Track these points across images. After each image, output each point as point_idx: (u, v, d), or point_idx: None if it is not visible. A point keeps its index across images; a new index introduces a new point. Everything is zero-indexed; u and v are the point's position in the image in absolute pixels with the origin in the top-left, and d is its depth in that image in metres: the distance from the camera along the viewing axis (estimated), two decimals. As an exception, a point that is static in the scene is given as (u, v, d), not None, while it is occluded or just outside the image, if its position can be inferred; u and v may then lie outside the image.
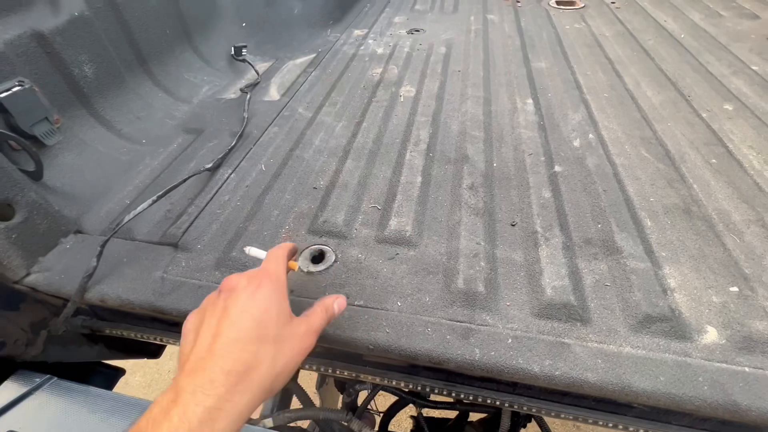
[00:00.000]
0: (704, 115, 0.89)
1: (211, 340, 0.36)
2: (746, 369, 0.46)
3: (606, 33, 1.32)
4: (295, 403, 0.81)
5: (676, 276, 0.56)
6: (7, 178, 0.56)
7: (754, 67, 1.07)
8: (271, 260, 0.44)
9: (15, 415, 0.59)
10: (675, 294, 0.53)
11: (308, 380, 1.16)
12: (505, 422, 0.77)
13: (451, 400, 0.84)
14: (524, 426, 0.83)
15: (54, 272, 0.60)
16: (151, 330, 0.65)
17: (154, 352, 0.92)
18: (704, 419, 0.49)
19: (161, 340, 0.65)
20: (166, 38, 1.00)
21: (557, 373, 0.46)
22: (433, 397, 0.82)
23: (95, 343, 0.76)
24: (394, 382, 0.58)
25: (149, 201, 0.63)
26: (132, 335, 0.66)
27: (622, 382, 0.45)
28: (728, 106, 0.91)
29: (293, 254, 0.51)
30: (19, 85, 0.65)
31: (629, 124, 0.87)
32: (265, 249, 0.50)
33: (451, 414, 0.91)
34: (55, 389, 0.61)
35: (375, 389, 0.77)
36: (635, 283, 0.54)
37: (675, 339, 0.49)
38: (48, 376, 0.63)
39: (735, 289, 0.54)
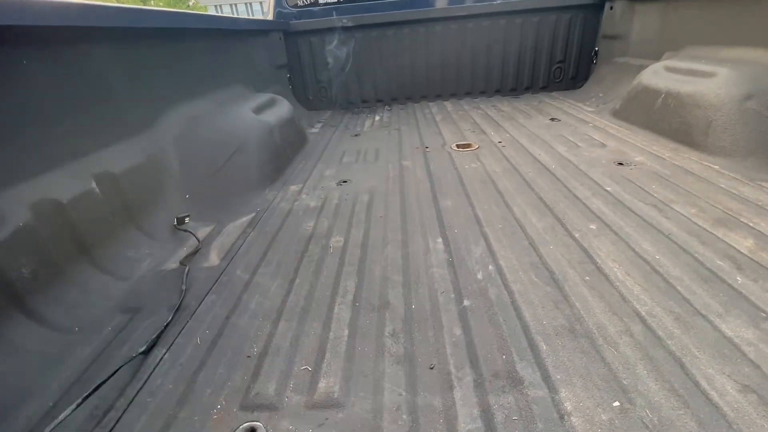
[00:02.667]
0: (576, 235, 1.10)
1: None
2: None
3: (496, 169, 1.63)
4: None
5: (571, 398, 0.64)
6: None
7: (607, 188, 1.36)
8: None
9: None
10: (571, 417, 0.61)
11: None
12: None
13: None
14: None
15: None
16: None
17: None
18: None
19: None
20: (109, 225, 1.10)
21: None
22: None
23: None
24: None
25: (72, 406, 0.64)
26: None
27: None
28: (593, 226, 1.14)
29: None
30: (-51, 305, 0.68)
31: (520, 251, 1.04)
32: None
33: None
34: None
35: None
36: (536, 413, 0.61)
37: (576, 467, 0.54)
38: None
39: (617, 404, 0.62)
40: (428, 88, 3.16)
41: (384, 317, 0.85)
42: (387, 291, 0.93)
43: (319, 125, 2.72)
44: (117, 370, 0.73)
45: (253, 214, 1.40)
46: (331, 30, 2.92)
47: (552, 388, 0.65)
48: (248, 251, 1.16)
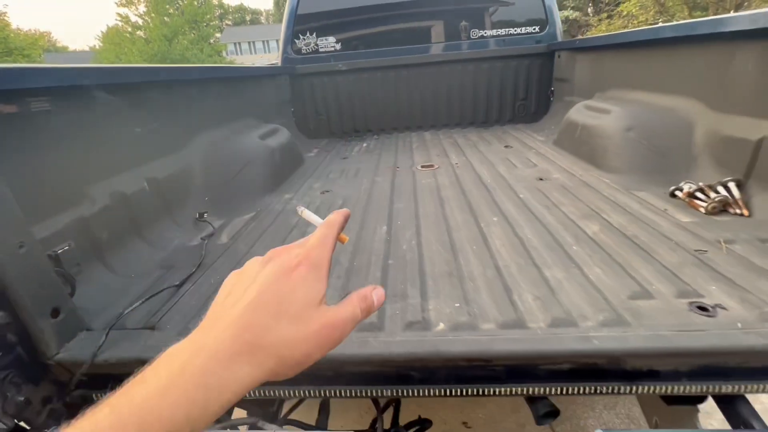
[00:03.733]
0: (482, 224, 1.53)
1: (233, 302, 0.37)
2: (450, 337, 0.92)
3: (445, 183, 2.09)
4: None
5: (433, 304, 1.06)
6: (60, 294, 1.00)
7: (521, 196, 1.80)
8: (318, 240, 0.43)
9: (28, 454, 0.88)
10: (429, 312, 1.03)
11: None
12: (381, 439, 1.10)
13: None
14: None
15: (73, 351, 0.98)
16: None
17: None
18: (445, 378, 0.92)
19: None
20: (153, 213, 1.57)
21: (363, 352, 0.90)
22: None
23: (76, 425, 1.07)
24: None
25: (137, 303, 1.08)
26: (114, 397, 1.01)
27: (390, 351, 0.90)
28: (495, 218, 1.57)
29: (345, 224, 0.49)
30: (68, 246, 1.15)
31: (438, 234, 1.48)
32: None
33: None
34: (59, 433, 0.92)
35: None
36: (410, 309, 1.04)
37: (422, 330, 0.96)
38: (54, 427, 0.94)
39: (458, 305, 1.04)
40: (411, 120, 3.70)
41: (334, 268, 1.28)
42: (339, 256, 1.37)
43: (315, 150, 3.24)
44: (162, 290, 1.18)
45: (255, 213, 1.86)
46: (329, 73, 3.51)
47: (424, 299, 1.08)
48: (249, 234, 1.62)
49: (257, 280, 0.39)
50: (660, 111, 1.90)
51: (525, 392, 0.91)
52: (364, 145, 3.33)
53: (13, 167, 1.06)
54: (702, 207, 1.47)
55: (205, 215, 1.76)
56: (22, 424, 0.96)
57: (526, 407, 1.02)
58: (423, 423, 1.23)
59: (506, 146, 2.81)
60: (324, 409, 1.16)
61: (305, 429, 1.10)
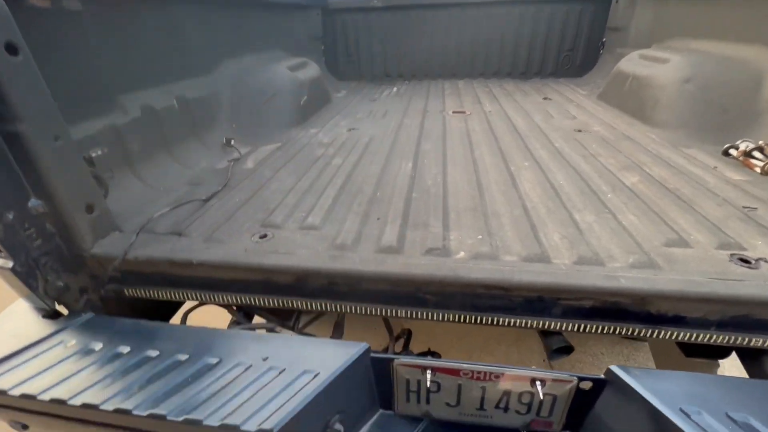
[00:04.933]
0: (512, 168, 1.47)
1: None
2: (470, 264, 0.91)
3: (476, 128, 2.00)
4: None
5: (454, 235, 1.04)
6: (95, 192, 1.04)
7: (556, 145, 1.71)
8: None
9: (65, 333, 0.96)
10: (450, 241, 1.01)
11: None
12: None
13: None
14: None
15: (107, 247, 1.04)
16: (156, 288, 1.06)
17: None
18: (462, 305, 0.92)
19: (161, 294, 1.06)
20: (182, 132, 1.58)
21: (379, 269, 0.90)
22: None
23: (111, 315, 1.15)
24: (297, 304, 0.99)
25: (167, 208, 1.11)
26: (143, 293, 1.07)
27: (409, 272, 0.90)
28: (527, 163, 1.50)
29: None
30: (101, 151, 1.17)
31: (465, 174, 1.43)
32: (230, 240, 0.75)
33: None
34: (95, 319, 0.99)
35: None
36: (430, 237, 1.02)
37: (442, 257, 0.95)
38: (90, 313, 1.01)
39: (480, 237, 1.02)
40: (445, 67, 3.50)
41: (356, 197, 1.27)
42: (363, 187, 1.35)
43: (344, 92, 3.14)
44: (191, 201, 1.21)
45: (280, 144, 1.85)
46: (363, 10, 3.31)
47: (446, 229, 1.06)
48: (274, 162, 1.62)
49: None
50: (726, 62, 1.71)
51: (541, 326, 0.91)
52: (395, 89, 3.20)
53: (47, 63, 1.07)
54: (758, 167, 1.35)
55: (232, 142, 1.77)
56: (60, 308, 1.05)
57: (537, 355, 1.02)
58: (432, 355, 1.26)
59: (545, 98, 2.64)
60: (338, 328, 1.20)
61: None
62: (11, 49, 0.82)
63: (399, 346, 1.37)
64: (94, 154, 1.14)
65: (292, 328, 1.14)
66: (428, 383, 0.79)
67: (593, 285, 0.84)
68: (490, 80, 3.42)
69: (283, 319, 1.14)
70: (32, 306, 1.03)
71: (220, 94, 1.86)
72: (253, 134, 1.90)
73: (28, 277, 0.94)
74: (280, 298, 1.00)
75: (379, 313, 0.97)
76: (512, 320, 0.91)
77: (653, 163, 1.46)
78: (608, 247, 0.96)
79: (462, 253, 0.96)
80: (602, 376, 0.76)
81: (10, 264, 0.89)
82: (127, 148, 1.30)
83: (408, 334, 1.27)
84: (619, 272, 0.86)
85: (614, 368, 0.74)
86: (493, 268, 0.90)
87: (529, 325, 0.91)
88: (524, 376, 0.76)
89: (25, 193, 0.91)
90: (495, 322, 0.91)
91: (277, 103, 2.01)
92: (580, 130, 1.90)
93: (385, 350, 1.24)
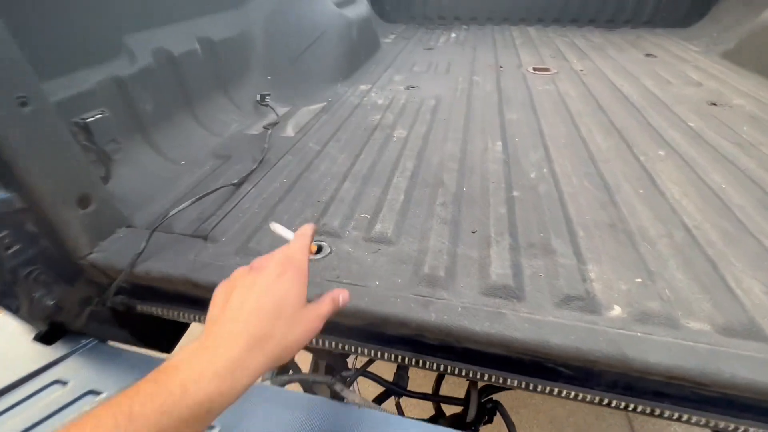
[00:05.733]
0: (641, 158, 1.08)
1: (239, 306, 0.42)
2: (638, 334, 0.59)
3: (571, 93, 1.57)
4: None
5: (596, 270, 0.71)
6: (89, 178, 0.75)
7: (690, 123, 1.28)
8: (297, 247, 0.50)
9: (63, 367, 0.73)
10: (592, 283, 0.68)
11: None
12: (472, 413, 0.88)
13: (429, 392, 0.96)
14: (490, 421, 0.93)
15: (109, 253, 0.77)
16: (175, 308, 0.80)
17: (166, 347, 1.05)
18: (612, 384, 0.61)
19: (181, 316, 0.80)
20: (207, 87, 1.25)
21: (493, 331, 0.60)
22: (411, 390, 0.93)
23: (123, 328, 0.91)
24: (372, 353, 0.71)
25: (188, 202, 0.82)
26: (157, 312, 0.81)
27: (542, 340, 0.59)
28: (661, 152, 1.11)
29: (312, 239, 0.54)
30: (100, 114, 0.87)
31: (578, 163, 1.06)
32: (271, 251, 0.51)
33: (427, 405, 1.00)
34: (98, 348, 0.75)
35: (359, 371, 0.88)
36: (562, 274, 0.70)
37: (587, 313, 0.63)
38: (92, 339, 0.77)
39: (639, 280, 0.69)
40: (511, 11, 2.91)
41: (437, 192, 0.94)
42: (442, 174, 1.01)
43: (392, 36, 2.66)
44: (218, 188, 0.91)
45: (325, 103, 1.49)
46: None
47: (580, 260, 0.73)
48: (320, 129, 1.28)
49: (254, 287, 0.44)
50: None
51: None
52: (453, 35, 2.69)
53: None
54: None
55: (268, 99, 1.42)
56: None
57: None
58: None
59: (647, 54, 2.11)
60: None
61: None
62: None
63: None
64: (90, 119, 0.84)
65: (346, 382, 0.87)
66: None
67: None
68: (567, 28, 2.82)
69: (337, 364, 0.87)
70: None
71: (252, 35, 1.48)
72: (292, 89, 1.54)
73: (2, 297, 0.68)
74: (341, 341, 0.72)
75: (479, 377, 0.68)
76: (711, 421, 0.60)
77: None
78: None
79: (617, 309, 0.64)
80: None
81: (-29, 285, 0.63)
82: (136, 108, 0.99)
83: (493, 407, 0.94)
84: None
85: None
86: (678, 344, 0.57)
87: None
88: None
89: (-14, 184, 0.63)
90: (677, 418, 0.61)
91: (322, 49, 1.62)
92: (714, 104, 1.44)
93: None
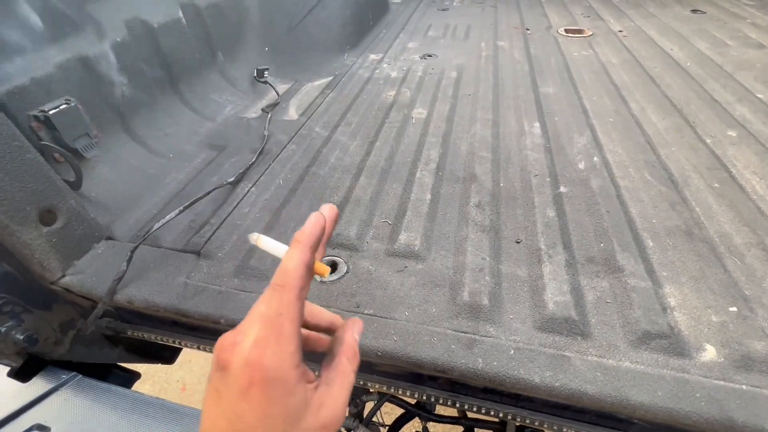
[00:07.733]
0: (708, 141, 0.91)
1: None
2: (744, 387, 0.47)
3: (613, 60, 1.36)
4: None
5: (676, 295, 0.57)
6: (52, 187, 0.61)
7: (759, 95, 1.09)
8: (271, 323, 0.27)
9: (43, 408, 0.63)
10: (675, 312, 0.55)
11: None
12: (510, 439, 0.78)
13: (455, 414, 0.86)
14: (529, 444, 0.83)
15: (86, 275, 0.64)
16: (170, 333, 0.69)
17: (168, 358, 0.95)
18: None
19: (179, 343, 0.69)
20: (195, 62, 1.08)
21: (557, 384, 0.48)
22: (438, 411, 0.83)
23: (116, 346, 0.80)
24: (400, 391, 0.60)
25: (176, 211, 0.68)
26: (152, 338, 0.70)
27: (620, 395, 0.47)
28: (732, 133, 0.94)
29: (318, 246, 0.31)
30: (65, 103, 0.72)
31: (633, 148, 0.90)
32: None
33: (456, 430, 0.91)
34: (80, 386, 0.65)
35: (381, 400, 0.78)
36: (635, 300, 0.56)
37: (673, 356, 0.51)
38: (73, 373, 0.67)
39: (734, 309, 0.55)
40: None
41: (469, 189, 0.79)
42: (473, 165, 0.86)
43: (401, -5, 2.39)
44: (211, 190, 0.77)
45: (332, 78, 1.32)
46: None
47: (656, 282, 0.59)
48: (327, 110, 1.11)
49: (220, 414, 0.27)
50: None
51: None
52: (469, -7, 2.41)
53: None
54: None
55: (266, 74, 1.25)
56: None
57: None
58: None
59: (693, 11, 1.85)
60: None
61: None
62: None
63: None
64: (52, 110, 0.69)
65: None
66: None
67: None
68: (597, -19, 2.52)
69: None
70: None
71: (245, 1, 1.28)
72: (293, 63, 1.36)
73: (-42, 337, 0.57)
74: (360, 377, 0.61)
75: (535, 425, 0.57)
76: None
77: None
78: None
79: (711, 350, 0.51)
80: None
81: None
82: (110, 93, 0.84)
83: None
84: None
85: None
86: (799, 403, 0.45)
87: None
88: None
89: None
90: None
91: (325, 13, 1.42)
92: (783, 69, 1.23)
93: None
